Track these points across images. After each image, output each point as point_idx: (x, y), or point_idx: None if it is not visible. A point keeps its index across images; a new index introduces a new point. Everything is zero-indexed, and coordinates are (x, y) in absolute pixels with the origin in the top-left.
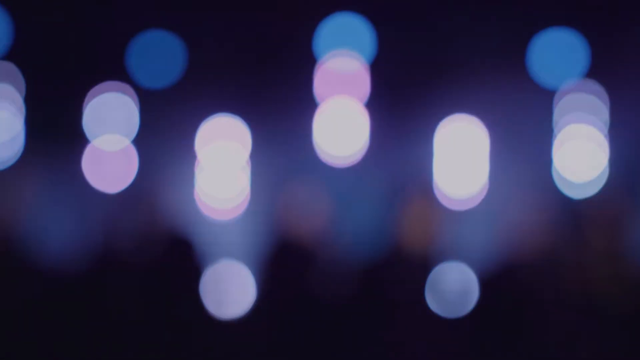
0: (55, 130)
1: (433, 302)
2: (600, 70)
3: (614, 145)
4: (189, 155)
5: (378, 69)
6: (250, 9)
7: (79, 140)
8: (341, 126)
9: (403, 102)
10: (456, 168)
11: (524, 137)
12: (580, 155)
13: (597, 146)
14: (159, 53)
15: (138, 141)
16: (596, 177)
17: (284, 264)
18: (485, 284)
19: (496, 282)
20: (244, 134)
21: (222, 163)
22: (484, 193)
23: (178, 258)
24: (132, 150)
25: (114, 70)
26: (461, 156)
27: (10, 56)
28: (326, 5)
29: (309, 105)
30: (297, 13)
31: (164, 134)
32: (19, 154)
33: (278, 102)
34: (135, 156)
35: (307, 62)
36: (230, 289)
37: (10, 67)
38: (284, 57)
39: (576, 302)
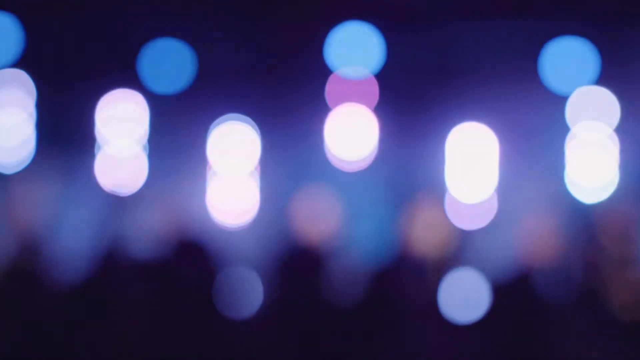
0: (67, 135)
1: (444, 308)
2: (610, 77)
3: (624, 151)
4: (201, 161)
5: (388, 76)
6: (261, 16)
7: (91, 146)
8: (351, 132)
9: (414, 108)
10: (467, 174)
11: (534, 143)
12: (592, 161)
13: (608, 151)
14: (171, 60)
15: (149, 146)
16: (608, 182)
17: (295, 268)
18: (497, 289)
19: (507, 287)
20: (255, 139)
21: (233, 168)
22: (495, 199)
23: (189, 262)
24: (143, 155)
25: (125, 76)
26: (472, 162)
27: (22, 63)
28: (336, 14)
29: (319, 111)
30: (307, 21)
31: (176, 139)
32: (30, 159)
33: (289, 108)
34: (146, 161)
35: (317, 69)
36: (240, 293)
37: (21, 74)
38: (294, 64)
39: (588, 307)
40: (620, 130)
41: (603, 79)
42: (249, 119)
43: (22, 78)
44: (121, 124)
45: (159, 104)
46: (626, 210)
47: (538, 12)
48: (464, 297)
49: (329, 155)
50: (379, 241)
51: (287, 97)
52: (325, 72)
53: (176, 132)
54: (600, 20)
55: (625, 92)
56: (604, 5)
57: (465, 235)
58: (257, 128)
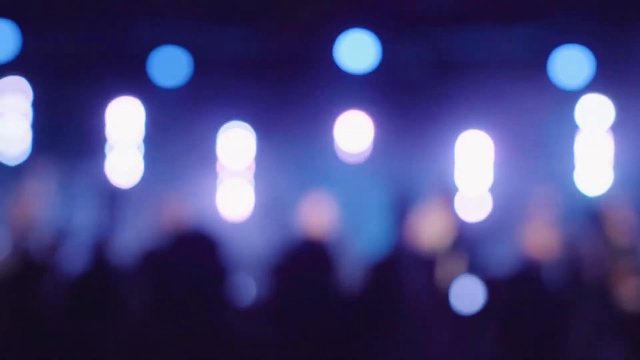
0: (69, 139)
1: (448, 302)
2: (609, 81)
3: (624, 147)
4: (203, 160)
5: (391, 79)
6: (263, 21)
7: (94, 149)
8: (351, 134)
9: (416, 111)
10: (470, 170)
11: (537, 140)
12: (594, 157)
13: (609, 148)
14: (175, 64)
15: (150, 148)
16: (609, 176)
17: (297, 263)
18: (500, 283)
19: (511, 281)
20: (255, 139)
21: (235, 166)
22: (499, 194)
23: (191, 258)
24: (145, 156)
25: (128, 81)
26: (475, 159)
27: (21, 70)
28: (338, 20)
29: (320, 113)
30: (308, 27)
31: (179, 141)
32: (29, 155)
33: (289, 110)
34: (148, 162)
35: (318, 73)
36: (242, 289)
37: (20, 81)
38: (296, 68)
39: (592, 300)
40: (618, 128)
41: (602, 83)
42: (250, 118)
43: (22, 84)
44: (123, 127)
45: (162, 108)
46: (628, 204)
47: (540, 18)
48: (468, 292)
49: (331, 155)
50: (381, 236)
51: (288, 100)
52: (326, 75)
53: (179, 135)
54: (600, 26)
55: (624, 95)
56: (604, 12)
57: (468, 230)
58: (258, 127)
